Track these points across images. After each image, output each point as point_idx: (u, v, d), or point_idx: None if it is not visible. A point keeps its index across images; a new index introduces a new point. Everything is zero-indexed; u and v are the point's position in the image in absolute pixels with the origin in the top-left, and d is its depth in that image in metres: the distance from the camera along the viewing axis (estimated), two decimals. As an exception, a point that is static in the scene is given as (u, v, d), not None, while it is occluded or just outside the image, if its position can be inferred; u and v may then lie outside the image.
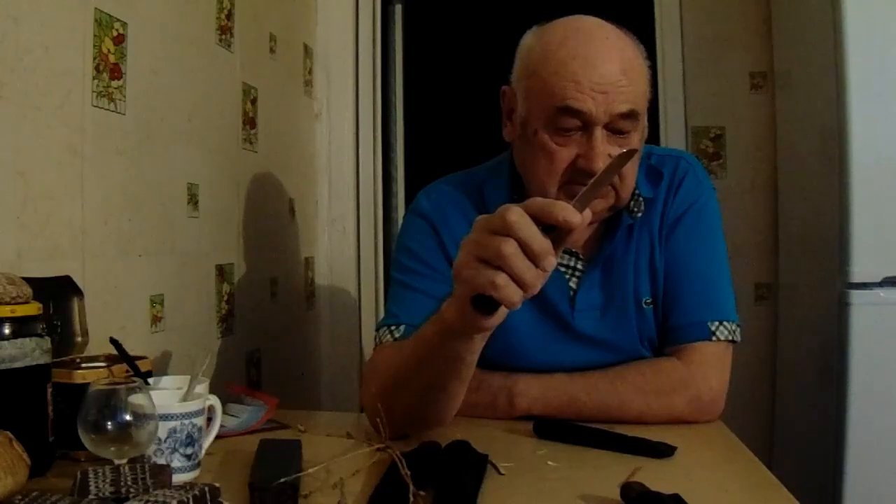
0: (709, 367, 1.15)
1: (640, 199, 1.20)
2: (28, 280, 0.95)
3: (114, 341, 1.06)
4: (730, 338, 1.17)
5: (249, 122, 1.94)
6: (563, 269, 1.21)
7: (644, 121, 1.14)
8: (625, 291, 1.20)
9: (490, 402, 1.16)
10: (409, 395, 1.05)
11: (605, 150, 1.08)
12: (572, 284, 1.21)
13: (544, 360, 1.18)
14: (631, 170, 1.12)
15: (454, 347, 0.96)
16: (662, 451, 0.99)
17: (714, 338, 1.16)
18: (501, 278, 0.81)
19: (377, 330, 1.21)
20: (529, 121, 1.13)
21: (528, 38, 1.16)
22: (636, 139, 1.12)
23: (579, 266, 1.21)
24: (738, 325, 1.19)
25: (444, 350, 0.97)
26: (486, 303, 0.85)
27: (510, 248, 0.81)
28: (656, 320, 1.21)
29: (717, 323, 1.16)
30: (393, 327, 1.18)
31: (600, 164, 1.06)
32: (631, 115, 1.08)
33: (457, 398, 1.07)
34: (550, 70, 1.09)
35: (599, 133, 1.07)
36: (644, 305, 1.20)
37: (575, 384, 1.15)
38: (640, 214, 1.20)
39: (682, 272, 1.20)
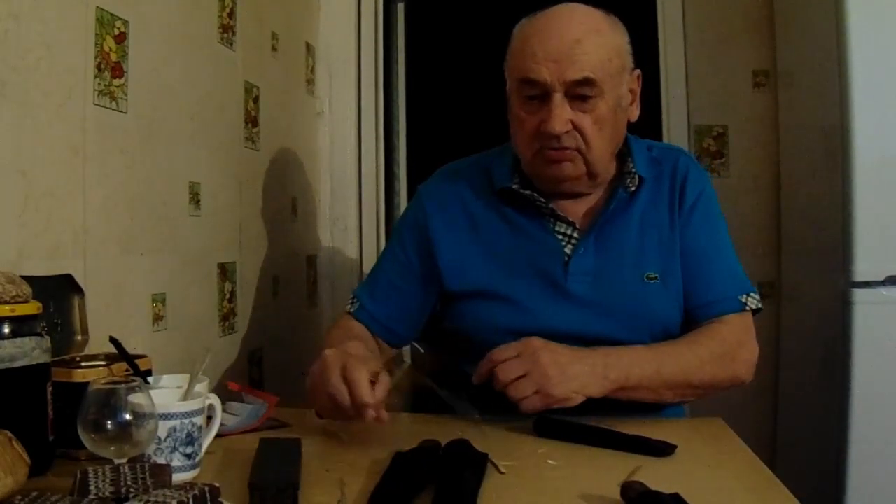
0: (748, 334, 1.26)
1: (636, 175, 1.28)
2: (29, 279, 0.95)
3: (113, 340, 1.06)
4: (756, 307, 1.27)
5: (251, 120, 1.94)
6: (560, 236, 1.29)
7: (617, 91, 1.21)
8: (619, 261, 1.27)
9: None
10: None
11: (563, 113, 1.18)
12: (567, 251, 1.28)
13: (541, 323, 1.23)
14: (596, 137, 1.20)
15: None
16: (663, 450, 0.99)
17: (746, 308, 1.26)
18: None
19: None
20: (509, 96, 1.27)
21: (515, 27, 1.27)
22: (603, 107, 1.20)
23: (575, 234, 1.28)
24: (757, 294, 1.29)
25: None
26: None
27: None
28: (669, 296, 1.26)
29: (745, 295, 1.27)
30: (353, 300, 1.39)
31: (556, 126, 1.17)
32: (586, 83, 1.17)
33: None
34: (517, 48, 1.23)
35: (557, 99, 1.18)
36: (646, 279, 1.26)
37: (658, 352, 1.19)
38: (633, 188, 1.28)
39: (706, 252, 1.28)
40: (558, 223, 1.29)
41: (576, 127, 1.19)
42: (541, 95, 1.19)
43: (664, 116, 2.36)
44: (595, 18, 1.20)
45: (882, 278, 1.74)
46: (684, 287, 1.27)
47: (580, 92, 1.17)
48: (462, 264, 1.31)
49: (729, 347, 1.22)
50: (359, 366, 1.03)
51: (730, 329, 1.24)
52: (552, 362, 1.09)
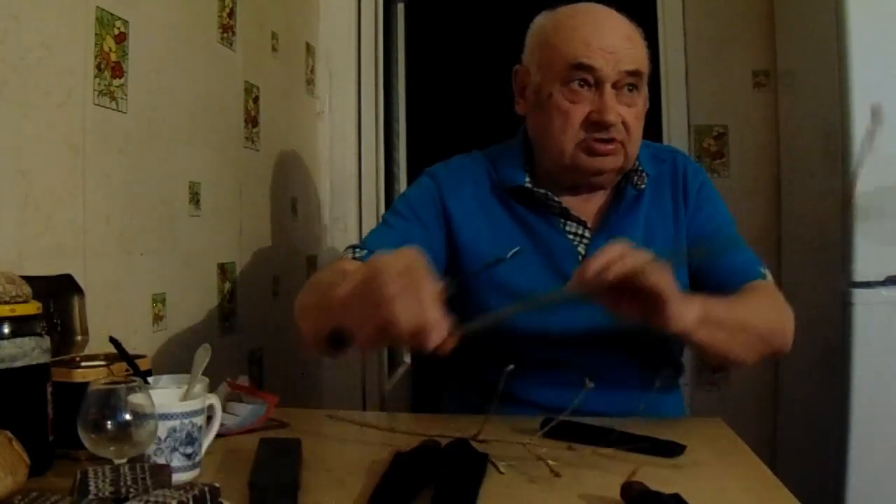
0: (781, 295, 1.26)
1: (644, 174, 1.29)
2: (28, 279, 0.95)
3: (113, 340, 1.06)
4: (772, 281, 1.28)
5: (251, 120, 1.94)
6: (571, 236, 1.29)
7: (646, 90, 1.25)
8: None
9: None
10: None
11: (615, 104, 1.19)
12: (581, 250, 1.28)
13: (555, 323, 1.22)
14: (636, 132, 1.23)
15: None
16: (673, 450, 0.99)
17: (768, 279, 1.26)
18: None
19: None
20: (543, 86, 1.25)
21: (539, 20, 1.29)
22: (640, 103, 1.24)
23: (587, 234, 1.29)
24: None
25: None
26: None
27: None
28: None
29: (762, 269, 1.27)
30: (357, 250, 1.25)
31: (611, 116, 1.18)
32: (636, 74, 1.21)
33: None
34: (563, 37, 1.22)
35: (609, 89, 1.19)
36: None
37: (721, 298, 1.15)
38: (643, 186, 1.29)
39: (723, 230, 1.31)
40: (569, 222, 1.29)
41: (621, 120, 1.21)
42: (593, 83, 1.20)
43: (664, 116, 2.36)
44: (628, 20, 1.25)
45: (882, 278, 1.74)
46: (708, 266, 1.26)
47: (629, 82, 1.20)
48: (478, 249, 1.28)
49: (776, 300, 1.23)
50: (428, 275, 0.81)
51: (768, 287, 1.24)
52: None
